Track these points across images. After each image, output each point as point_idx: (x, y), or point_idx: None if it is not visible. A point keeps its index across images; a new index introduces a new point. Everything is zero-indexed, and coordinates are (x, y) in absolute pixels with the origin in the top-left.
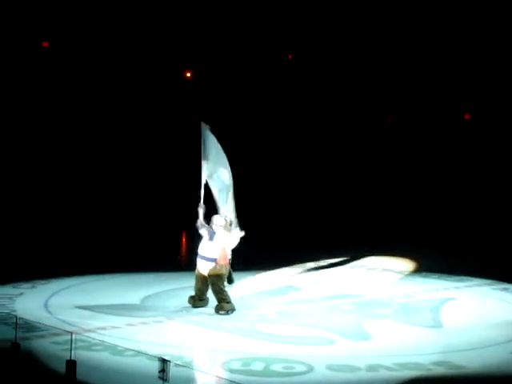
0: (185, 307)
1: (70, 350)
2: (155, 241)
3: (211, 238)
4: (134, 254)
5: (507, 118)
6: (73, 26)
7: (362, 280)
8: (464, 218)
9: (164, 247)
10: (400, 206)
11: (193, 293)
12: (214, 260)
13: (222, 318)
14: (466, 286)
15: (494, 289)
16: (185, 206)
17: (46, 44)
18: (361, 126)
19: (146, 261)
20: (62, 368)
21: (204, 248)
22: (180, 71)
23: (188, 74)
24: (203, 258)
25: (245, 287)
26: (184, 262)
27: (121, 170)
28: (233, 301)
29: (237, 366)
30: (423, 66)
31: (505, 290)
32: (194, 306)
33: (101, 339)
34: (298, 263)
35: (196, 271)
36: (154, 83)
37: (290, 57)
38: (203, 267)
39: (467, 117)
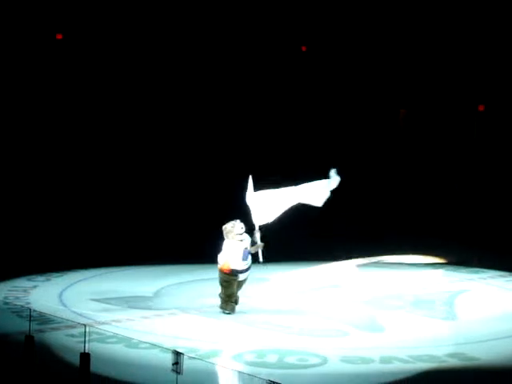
0: (198, 299)
1: (84, 342)
2: (168, 233)
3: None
4: (146, 246)
5: None
6: (87, 19)
7: (376, 273)
8: (478, 209)
9: (178, 239)
10: (413, 198)
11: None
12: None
13: (237, 311)
14: (480, 278)
15: (508, 281)
16: (200, 200)
17: (59, 36)
18: (374, 118)
19: (160, 253)
20: (77, 360)
21: None
22: (192, 66)
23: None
24: None
25: (263, 281)
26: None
27: (138, 163)
28: (250, 291)
29: (251, 358)
30: (436, 57)
31: None
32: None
33: (115, 332)
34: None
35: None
36: (161, 79)
37: (303, 49)
38: None
39: (481, 108)
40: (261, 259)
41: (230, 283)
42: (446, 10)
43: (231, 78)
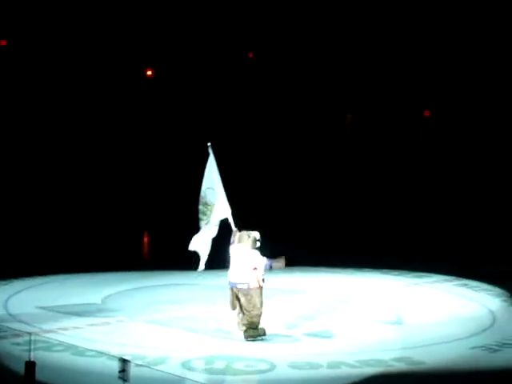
0: (146, 307)
1: (29, 350)
2: (116, 240)
3: None
4: (93, 254)
5: (467, 114)
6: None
7: (322, 278)
8: (423, 215)
9: (125, 247)
10: (357, 203)
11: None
12: None
13: (185, 317)
14: (426, 283)
15: (454, 285)
16: (146, 206)
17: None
18: (321, 124)
19: (106, 261)
20: (22, 369)
21: None
22: (141, 69)
23: (149, 73)
24: None
25: (213, 286)
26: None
27: (81, 172)
28: (200, 298)
29: (199, 364)
30: (383, 63)
31: (464, 285)
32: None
33: (61, 340)
34: None
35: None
36: (115, 81)
37: (250, 55)
38: None
39: (427, 114)
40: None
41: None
42: (390, 16)
43: (181, 82)
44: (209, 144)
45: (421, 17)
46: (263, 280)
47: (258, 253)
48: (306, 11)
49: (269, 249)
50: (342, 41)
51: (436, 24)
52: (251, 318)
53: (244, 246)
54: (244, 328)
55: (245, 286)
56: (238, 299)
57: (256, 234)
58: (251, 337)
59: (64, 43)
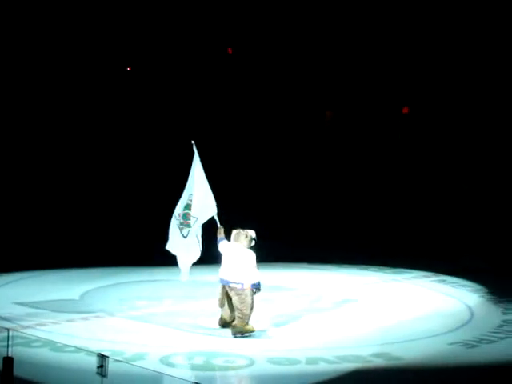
0: (124, 302)
1: (7, 346)
2: (93, 236)
3: None
4: (71, 249)
5: (446, 111)
6: None
7: (301, 274)
8: (402, 210)
9: (103, 242)
10: (337, 199)
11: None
12: None
13: (164, 313)
14: (405, 279)
15: (432, 281)
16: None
17: None
18: (300, 121)
19: (85, 256)
20: (0, 365)
21: None
22: (123, 67)
23: (128, 68)
24: None
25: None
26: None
27: (66, 167)
28: (178, 294)
29: (177, 360)
30: (362, 59)
31: (442, 281)
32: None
33: (40, 335)
34: None
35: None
36: (95, 77)
37: (230, 51)
38: None
39: (405, 111)
40: None
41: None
42: (368, 12)
43: (158, 78)
44: (192, 142)
45: (398, 13)
46: (259, 284)
47: (253, 253)
48: (285, 7)
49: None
50: (321, 37)
51: (414, 20)
52: (243, 315)
53: (240, 245)
54: (233, 324)
55: (239, 286)
56: (228, 297)
57: (252, 233)
58: (240, 333)
59: (49, 41)
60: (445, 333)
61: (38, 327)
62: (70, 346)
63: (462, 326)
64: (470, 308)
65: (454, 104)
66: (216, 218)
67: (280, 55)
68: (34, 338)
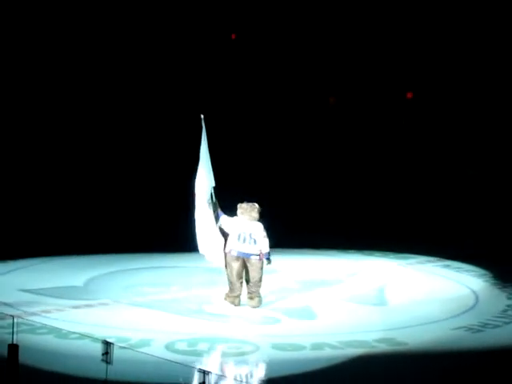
0: (130, 289)
1: (12, 333)
2: (98, 223)
3: None
4: (76, 236)
5: (450, 96)
6: None
7: (305, 260)
8: (406, 196)
9: (107, 229)
10: (341, 185)
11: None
12: None
13: (169, 300)
14: (409, 264)
15: (436, 266)
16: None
17: None
18: (304, 107)
19: (89, 243)
20: (5, 352)
21: None
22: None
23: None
24: None
25: (194, 268)
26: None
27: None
28: (182, 281)
29: (182, 346)
30: (365, 45)
31: (446, 266)
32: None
33: (45, 322)
34: None
35: None
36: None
37: (233, 37)
38: None
39: (410, 96)
40: None
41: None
42: (371, 1)
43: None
44: (202, 116)
45: (401, 1)
46: (269, 254)
47: (261, 224)
48: None
49: None
50: (325, 23)
51: (417, 8)
52: (258, 286)
53: (249, 218)
54: (251, 295)
55: (257, 258)
56: (246, 269)
57: (258, 206)
58: (259, 302)
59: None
60: (450, 318)
61: (42, 314)
62: (75, 332)
63: (467, 310)
64: (474, 293)
65: (457, 89)
66: (212, 192)
67: (283, 41)
68: (39, 324)
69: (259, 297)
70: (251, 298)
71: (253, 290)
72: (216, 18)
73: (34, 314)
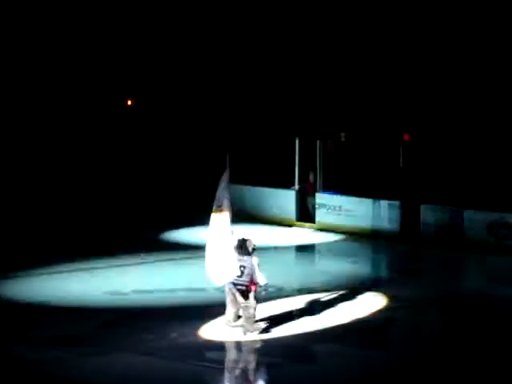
0: (130, 337)
1: None
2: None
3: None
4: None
5: (446, 138)
6: None
7: None
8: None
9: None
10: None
11: None
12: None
13: (169, 347)
14: None
15: None
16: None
17: None
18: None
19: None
20: None
21: None
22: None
23: None
24: None
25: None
26: None
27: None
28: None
29: None
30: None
31: None
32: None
33: (47, 371)
34: None
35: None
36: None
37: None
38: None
39: (407, 138)
40: None
41: None
42: (370, 37)
43: None
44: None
45: (398, 38)
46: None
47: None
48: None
49: None
50: (325, 58)
51: (414, 47)
52: (250, 312)
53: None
54: (240, 323)
55: (244, 288)
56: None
57: (252, 241)
58: (249, 330)
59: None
60: None
61: (43, 362)
62: (76, 381)
63: None
64: None
65: (454, 130)
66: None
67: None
68: (40, 374)
69: (248, 323)
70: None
71: (241, 315)
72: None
73: (34, 363)
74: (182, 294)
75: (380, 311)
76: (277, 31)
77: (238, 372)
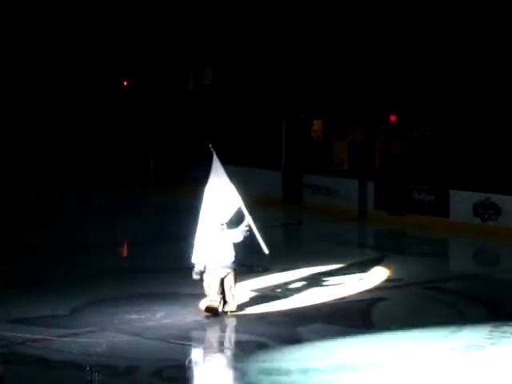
0: (115, 316)
1: None
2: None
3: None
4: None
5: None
6: None
7: None
8: None
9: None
10: None
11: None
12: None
13: (155, 327)
14: None
15: None
16: None
17: None
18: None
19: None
20: None
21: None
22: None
23: None
24: None
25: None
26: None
27: None
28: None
29: (171, 373)
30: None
31: None
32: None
33: (31, 352)
34: None
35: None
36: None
37: None
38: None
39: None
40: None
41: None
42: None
43: None
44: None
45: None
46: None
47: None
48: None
49: None
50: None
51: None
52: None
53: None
54: (231, 303)
55: (234, 266)
56: (222, 281)
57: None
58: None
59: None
60: None
61: (28, 343)
62: (61, 361)
63: None
64: None
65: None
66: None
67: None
68: (26, 354)
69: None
70: (230, 307)
71: (230, 297)
72: None
73: (19, 343)
74: (168, 273)
75: (368, 291)
76: (264, 13)
77: (223, 351)
